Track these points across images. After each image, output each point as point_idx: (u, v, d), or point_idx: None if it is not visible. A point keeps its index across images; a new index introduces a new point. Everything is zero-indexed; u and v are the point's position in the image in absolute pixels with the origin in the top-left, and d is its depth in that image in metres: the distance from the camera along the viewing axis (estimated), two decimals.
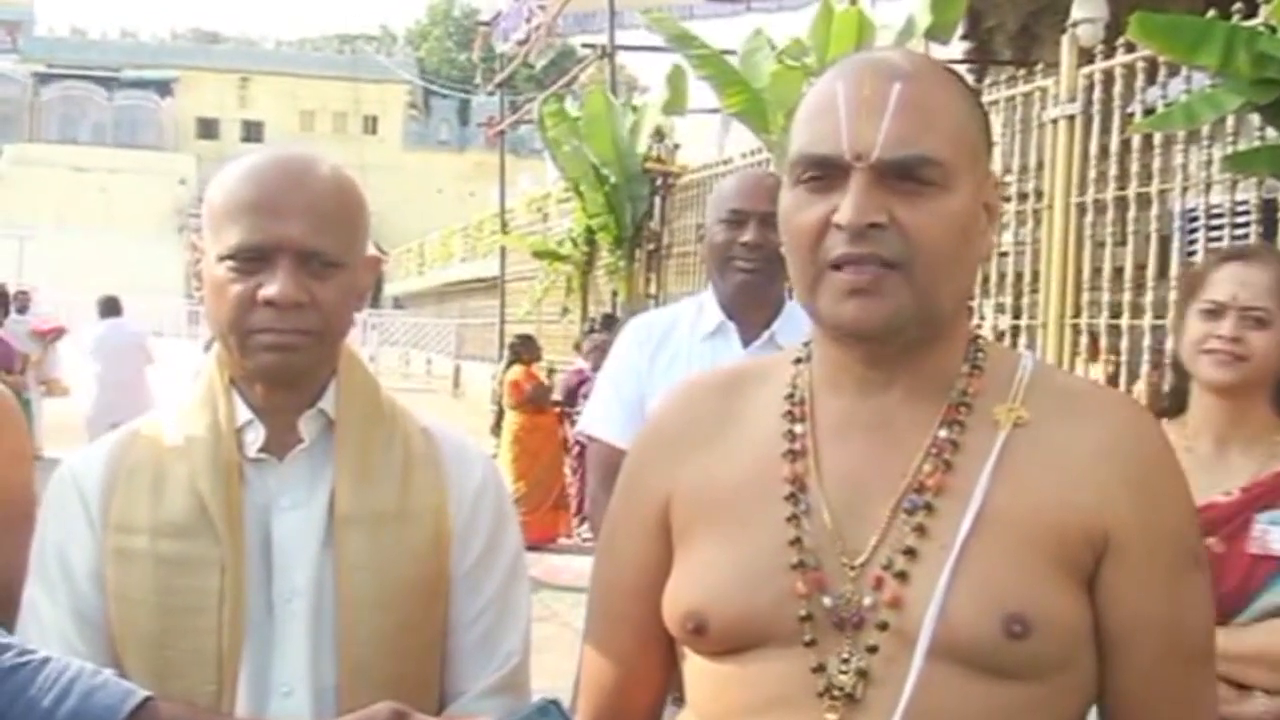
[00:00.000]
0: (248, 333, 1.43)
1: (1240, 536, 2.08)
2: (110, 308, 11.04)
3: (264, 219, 1.41)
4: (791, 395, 1.26)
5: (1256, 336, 2.10)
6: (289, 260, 1.41)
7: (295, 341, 1.43)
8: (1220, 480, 2.12)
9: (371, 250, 1.57)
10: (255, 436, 1.48)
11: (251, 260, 1.41)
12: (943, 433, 1.19)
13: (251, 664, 1.44)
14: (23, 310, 13.91)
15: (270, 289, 1.40)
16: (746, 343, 2.76)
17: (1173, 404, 2.25)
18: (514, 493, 8.84)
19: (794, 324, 2.75)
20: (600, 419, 2.82)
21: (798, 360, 1.29)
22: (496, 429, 10.44)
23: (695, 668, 1.25)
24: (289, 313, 1.41)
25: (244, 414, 1.48)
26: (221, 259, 1.43)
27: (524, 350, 10.16)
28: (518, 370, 9.95)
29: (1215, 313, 2.13)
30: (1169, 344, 2.40)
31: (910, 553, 1.16)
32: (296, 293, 1.41)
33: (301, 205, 1.43)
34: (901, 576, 1.15)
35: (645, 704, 1.36)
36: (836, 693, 1.14)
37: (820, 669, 1.16)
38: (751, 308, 2.76)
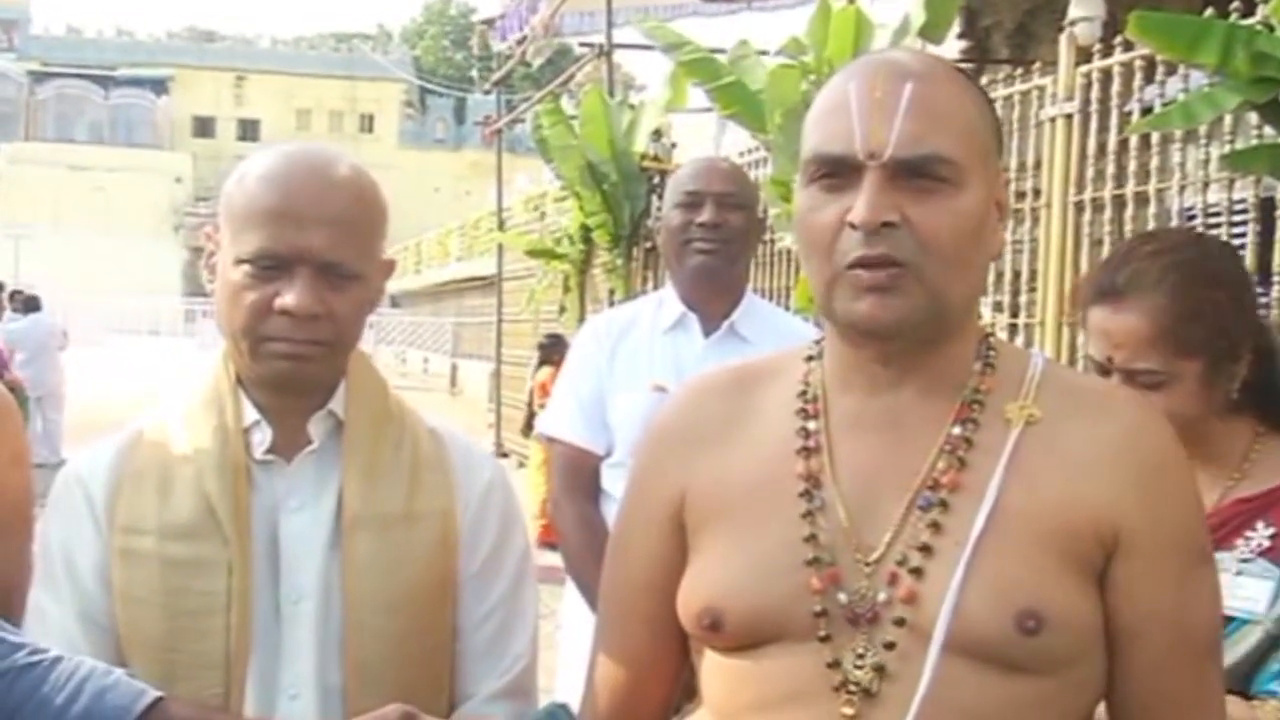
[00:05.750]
0: (261, 339, 1.41)
1: None
2: (30, 305, 13.07)
3: (286, 227, 1.40)
4: (804, 393, 1.27)
5: (1158, 398, 1.68)
6: (308, 270, 1.40)
7: (309, 352, 1.42)
8: None
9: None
10: (262, 438, 1.47)
11: (270, 268, 1.40)
12: (956, 430, 1.20)
13: (258, 666, 1.43)
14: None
15: (288, 299, 1.39)
16: (707, 333, 2.68)
17: None
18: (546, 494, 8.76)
19: (753, 314, 2.72)
20: (560, 420, 2.73)
21: (809, 358, 1.30)
22: (527, 430, 10.34)
23: (710, 664, 1.26)
24: (304, 323, 1.40)
25: (251, 414, 1.47)
26: (239, 262, 1.41)
27: (553, 351, 9.90)
28: (546, 371, 9.72)
29: (1102, 372, 1.75)
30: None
31: (925, 549, 1.17)
32: (314, 304, 1.40)
33: (325, 215, 1.41)
34: (916, 573, 1.16)
35: (657, 701, 1.37)
36: (853, 688, 1.16)
37: (836, 664, 1.17)
38: (711, 294, 2.68)
